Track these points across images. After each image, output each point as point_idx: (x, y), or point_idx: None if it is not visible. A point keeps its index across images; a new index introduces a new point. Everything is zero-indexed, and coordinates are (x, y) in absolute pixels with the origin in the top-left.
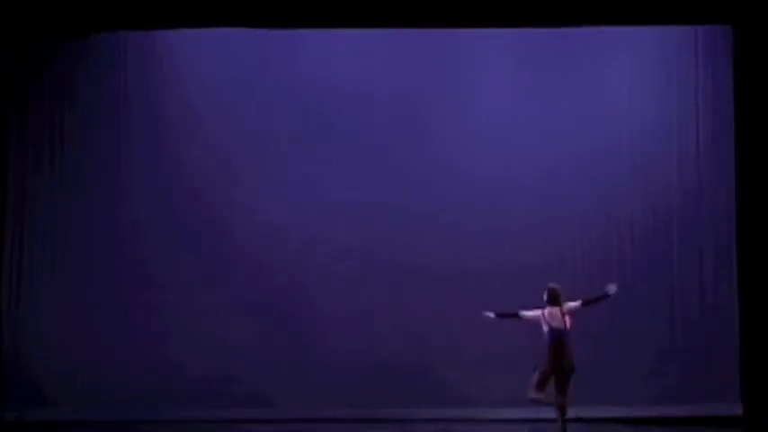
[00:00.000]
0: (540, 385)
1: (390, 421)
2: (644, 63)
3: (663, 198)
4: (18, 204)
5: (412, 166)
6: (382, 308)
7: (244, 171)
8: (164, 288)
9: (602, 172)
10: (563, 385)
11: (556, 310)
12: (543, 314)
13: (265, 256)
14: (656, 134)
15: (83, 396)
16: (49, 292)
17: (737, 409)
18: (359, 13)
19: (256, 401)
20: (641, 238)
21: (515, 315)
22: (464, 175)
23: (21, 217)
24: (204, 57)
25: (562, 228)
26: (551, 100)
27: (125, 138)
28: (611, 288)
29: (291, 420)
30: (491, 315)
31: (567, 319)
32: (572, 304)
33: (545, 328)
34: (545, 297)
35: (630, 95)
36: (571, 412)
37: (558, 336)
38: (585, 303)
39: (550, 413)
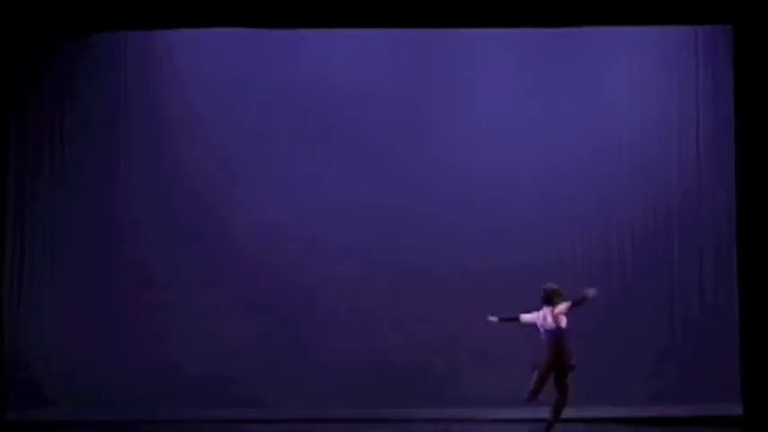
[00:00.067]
0: (538, 385)
1: (390, 421)
2: (644, 63)
3: (663, 198)
4: (18, 204)
5: (412, 166)
6: (382, 308)
7: (244, 171)
8: (164, 288)
9: (602, 172)
10: (561, 385)
11: (548, 310)
12: (538, 316)
13: (265, 256)
14: (656, 134)
15: (83, 396)
16: (49, 292)
17: (737, 409)
18: (359, 13)
19: (256, 401)
20: (641, 238)
21: (516, 319)
22: (464, 175)
23: (21, 217)
24: (204, 57)
25: (562, 228)
26: (551, 100)
27: (125, 138)
28: (590, 291)
29: (291, 420)
30: (494, 320)
31: (560, 319)
32: (562, 305)
33: (540, 330)
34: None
35: (630, 95)
36: (571, 412)
37: (551, 336)
38: (573, 305)
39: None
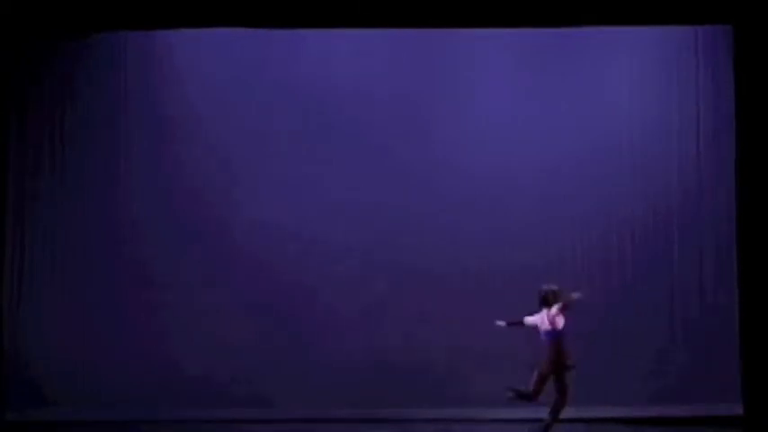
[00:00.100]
0: (538, 386)
1: (390, 421)
2: (644, 63)
3: (663, 198)
4: (18, 204)
5: (412, 166)
6: (382, 308)
7: (244, 171)
8: (164, 288)
9: (602, 172)
10: (560, 385)
11: (545, 312)
12: (538, 318)
13: (265, 256)
14: (656, 134)
15: (83, 396)
16: (49, 292)
17: (737, 409)
18: (359, 13)
19: (256, 401)
20: (641, 238)
21: (521, 323)
22: (464, 175)
23: (21, 217)
24: (204, 57)
25: (562, 228)
26: (551, 100)
27: (125, 138)
28: (575, 294)
29: (291, 420)
30: (502, 324)
31: (556, 320)
32: (555, 307)
33: (540, 331)
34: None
35: (630, 95)
36: (571, 412)
37: (549, 337)
38: (563, 307)
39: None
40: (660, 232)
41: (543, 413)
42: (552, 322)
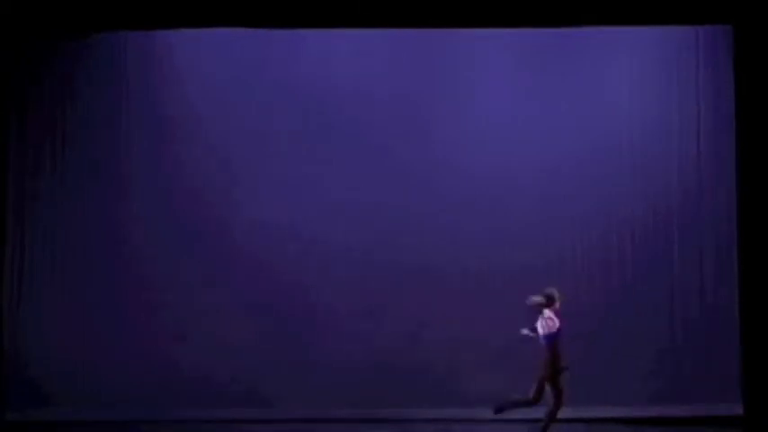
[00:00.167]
0: (538, 393)
1: (390, 421)
2: (644, 63)
3: (663, 198)
4: (18, 204)
5: (412, 166)
6: (382, 308)
7: (244, 171)
8: (164, 288)
9: (602, 172)
10: (555, 388)
11: (541, 315)
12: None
13: (265, 256)
14: (656, 134)
15: (83, 396)
16: (49, 292)
17: (738, 409)
18: (359, 13)
19: (256, 401)
20: (641, 238)
21: (535, 330)
22: (464, 175)
23: (21, 217)
24: (204, 57)
25: (562, 228)
26: (551, 100)
27: (125, 138)
28: (530, 299)
29: (291, 420)
30: (529, 333)
31: (548, 323)
32: (547, 310)
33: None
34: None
35: (630, 95)
36: (571, 412)
37: (546, 341)
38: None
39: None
40: (660, 232)
41: (542, 413)
42: (545, 324)
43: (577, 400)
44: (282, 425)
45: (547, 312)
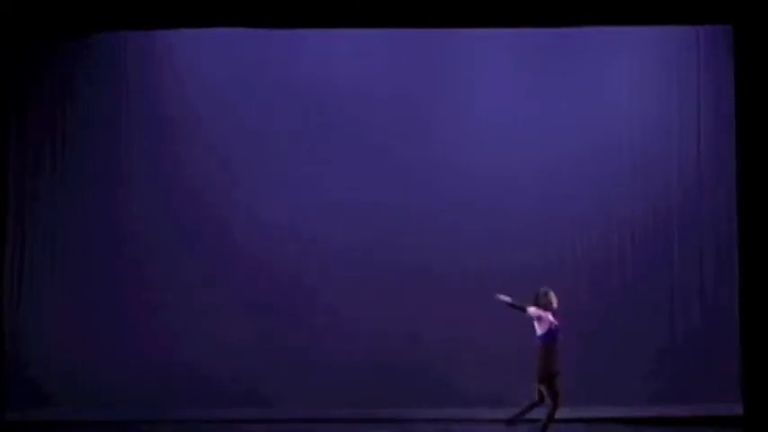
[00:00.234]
0: (540, 394)
1: (390, 421)
2: (644, 63)
3: (663, 198)
4: (18, 204)
5: (412, 166)
6: (382, 308)
7: (244, 171)
8: (164, 288)
9: (602, 172)
10: (551, 391)
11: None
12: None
13: (265, 256)
14: (656, 134)
15: (83, 396)
16: (49, 292)
17: (738, 409)
18: (359, 13)
19: (256, 401)
20: (641, 238)
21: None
22: (464, 175)
23: (21, 217)
24: (204, 57)
25: (562, 228)
26: (551, 100)
27: (125, 138)
28: (500, 297)
29: (291, 420)
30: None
31: (540, 323)
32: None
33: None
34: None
35: (630, 95)
36: (571, 412)
37: (539, 341)
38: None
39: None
40: (660, 232)
41: (542, 413)
42: (540, 325)
43: (577, 400)
44: (282, 425)
45: (534, 311)
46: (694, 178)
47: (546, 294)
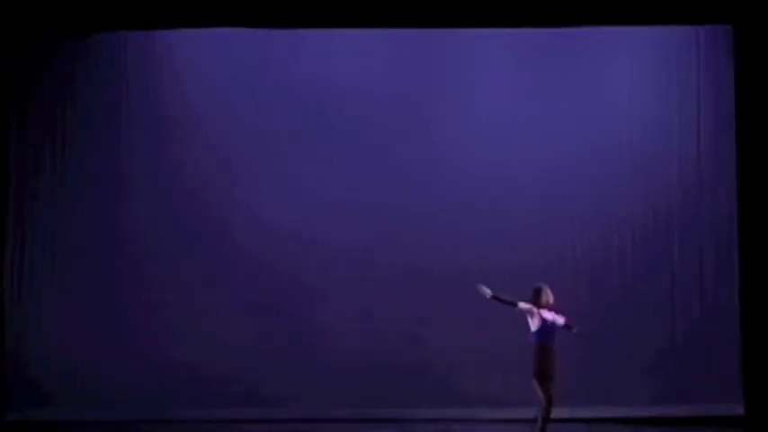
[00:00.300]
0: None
1: (390, 421)
2: (644, 63)
3: (663, 198)
4: (18, 204)
5: (412, 166)
6: (382, 308)
7: (244, 171)
8: (164, 288)
9: (602, 172)
10: (544, 393)
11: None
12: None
13: (265, 256)
14: (656, 134)
15: (83, 396)
16: (49, 292)
17: (738, 409)
18: (359, 13)
19: (256, 401)
20: (641, 238)
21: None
22: (464, 175)
23: (21, 217)
24: (204, 57)
25: (562, 228)
26: (551, 100)
27: (125, 138)
28: (481, 289)
29: (291, 420)
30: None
31: (534, 320)
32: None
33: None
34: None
35: (630, 95)
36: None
37: (532, 338)
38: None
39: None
40: (660, 232)
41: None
42: (533, 322)
43: (577, 400)
44: (282, 425)
45: (524, 305)
46: (694, 178)
47: (539, 291)
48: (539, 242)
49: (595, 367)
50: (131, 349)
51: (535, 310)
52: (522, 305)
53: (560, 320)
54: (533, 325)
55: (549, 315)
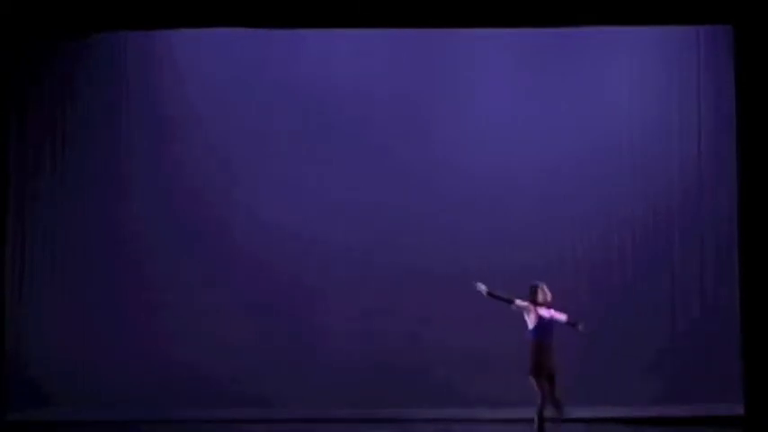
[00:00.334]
0: (543, 390)
1: (390, 421)
2: (644, 63)
3: (663, 198)
4: (18, 204)
5: (412, 166)
6: (382, 308)
7: (244, 171)
8: (164, 288)
9: (602, 172)
10: (540, 389)
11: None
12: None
13: (265, 256)
14: (656, 134)
15: (83, 396)
16: (49, 292)
17: (738, 409)
18: (359, 13)
19: (256, 401)
20: (641, 238)
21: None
22: (464, 175)
23: (21, 217)
24: (204, 57)
25: (562, 228)
26: (551, 100)
27: (125, 138)
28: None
29: (291, 420)
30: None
31: (530, 317)
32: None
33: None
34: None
35: (630, 95)
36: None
37: (529, 335)
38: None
39: (551, 413)
40: (660, 232)
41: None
42: (530, 319)
43: (577, 400)
44: (282, 425)
45: (520, 302)
46: (694, 178)
47: (535, 288)
48: (539, 242)
49: (595, 367)
50: (131, 349)
51: (532, 307)
52: (519, 302)
53: (562, 318)
54: (530, 322)
55: (546, 312)
